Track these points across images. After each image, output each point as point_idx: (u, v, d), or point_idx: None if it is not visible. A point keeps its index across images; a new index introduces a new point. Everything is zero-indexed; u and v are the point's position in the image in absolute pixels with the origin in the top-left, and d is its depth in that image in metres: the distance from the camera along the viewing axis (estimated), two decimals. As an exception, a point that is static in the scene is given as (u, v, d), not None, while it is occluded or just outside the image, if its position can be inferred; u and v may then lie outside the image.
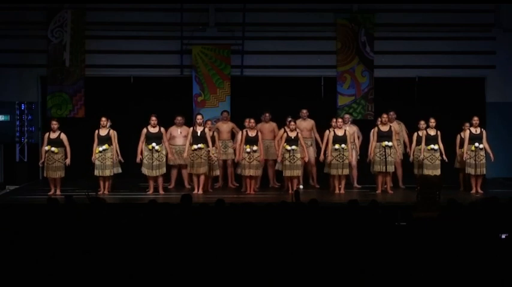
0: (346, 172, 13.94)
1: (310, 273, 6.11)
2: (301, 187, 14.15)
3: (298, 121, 14.64)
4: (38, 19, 17.07)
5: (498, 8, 17.40)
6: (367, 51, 17.18)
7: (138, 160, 13.81)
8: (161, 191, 13.85)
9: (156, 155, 13.71)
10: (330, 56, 17.27)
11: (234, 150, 14.57)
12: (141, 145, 13.82)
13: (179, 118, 14.57)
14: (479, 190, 13.86)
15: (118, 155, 13.86)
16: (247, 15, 17.05)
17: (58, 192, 13.68)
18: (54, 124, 13.93)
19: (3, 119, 17.13)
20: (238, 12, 17.08)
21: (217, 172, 14.36)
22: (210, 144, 13.84)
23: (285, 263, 6.18)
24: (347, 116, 15.06)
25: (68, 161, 13.78)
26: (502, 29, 17.36)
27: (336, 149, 13.79)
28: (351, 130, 14.57)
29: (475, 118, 14.10)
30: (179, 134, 14.42)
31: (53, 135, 13.81)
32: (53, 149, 13.69)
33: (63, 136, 13.82)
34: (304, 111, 14.88)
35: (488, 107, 17.31)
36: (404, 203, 12.16)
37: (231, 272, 6.10)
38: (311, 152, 14.67)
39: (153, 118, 13.89)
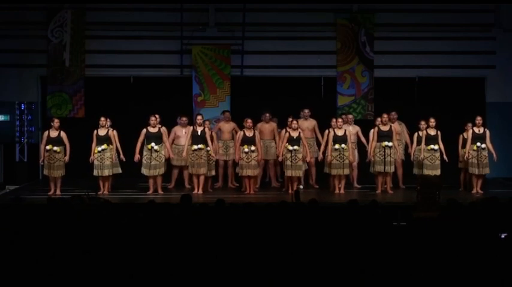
0: (346, 171, 13.95)
1: (310, 273, 6.11)
2: (301, 187, 14.13)
3: (300, 121, 14.58)
4: (38, 19, 17.08)
5: (498, 8, 17.41)
6: (367, 51, 17.18)
7: (135, 159, 13.83)
8: (160, 191, 13.86)
9: (154, 155, 13.71)
10: (330, 56, 17.27)
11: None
12: (139, 144, 13.84)
13: (184, 119, 14.60)
14: (480, 190, 13.88)
15: (120, 155, 13.87)
16: (247, 15, 17.06)
17: (58, 192, 13.69)
18: (56, 122, 13.90)
19: (3, 119, 17.14)
20: (238, 12, 17.08)
21: (213, 172, 14.31)
22: (210, 144, 13.86)
23: (285, 263, 6.18)
24: (350, 116, 15.09)
25: (66, 158, 13.76)
26: (502, 29, 17.37)
27: (336, 149, 13.79)
28: (354, 130, 14.59)
29: (478, 118, 14.12)
30: (184, 134, 14.39)
31: (54, 134, 13.79)
32: (55, 148, 13.68)
33: (63, 134, 13.81)
34: (306, 111, 14.86)
35: (488, 107, 17.31)
36: (404, 203, 12.17)
37: (231, 272, 6.10)
38: (313, 152, 14.60)
39: (153, 118, 13.89)
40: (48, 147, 13.72)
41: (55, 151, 13.68)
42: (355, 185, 14.66)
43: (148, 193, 13.76)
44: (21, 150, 17.13)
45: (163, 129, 13.97)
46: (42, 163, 14.11)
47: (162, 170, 13.90)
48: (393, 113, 14.54)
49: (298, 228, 6.97)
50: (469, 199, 12.03)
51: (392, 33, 17.31)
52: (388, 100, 16.53)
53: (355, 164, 14.53)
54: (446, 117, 15.51)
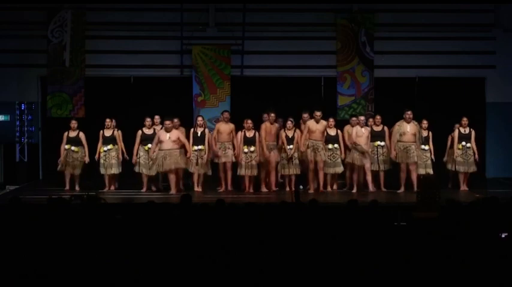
0: (338, 170, 14.03)
1: (310, 273, 6.11)
2: (301, 187, 14.08)
3: (311, 122, 13.93)
4: (38, 19, 17.08)
5: (498, 8, 17.41)
6: (367, 51, 17.18)
7: (133, 160, 14.11)
8: (153, 189, 14.11)
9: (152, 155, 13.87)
10: (330, 56, 17.27)
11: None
12: (137, 146, 14.08)
13: (167, 122, 13.73)
14: (466, 187, 14.34)
15: (124, 154, 14.22)
16: (247, 15, 17.05)
17: (77, 188, 14.18)
18: (74, 123, 14.46)
19: (3, 119, 17.15)
20: (238, 12, 17.08)
21: (209, 172, 14.19)
22: (207, 145, 13.90)
23: (285, 263, 6.18)
24: (362, 117, 14.45)
25: (86, 159, 14.30)
26: (502, 29, 17.38)
27: (329, 149, 13.88)
28: (366, 132, 14.15)
29: (464, 119, 14.49)
30: (168, 139, 13.67)
31: (72, 134, 14.37)
32: (73, 148, 14.27)
33: (81, 135, 14.36)
34: (318, 113, 13.91)
35: (488, 107, 17.32)
36: (405, 203, 12.16)
37: (231, 272, 6.11)
38: (322, 156, 13.86)
39: (148, 119, 14.10)
40: (66, 146, 14.28)
41: (73, 151, 14.25)
42: (370, 189, 13.98)
43: (142, 191, 13.97)
44: (21, 150, 17.13)
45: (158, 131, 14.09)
46: (59, 162, 14.40)
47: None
48: (409, 112, 14.07)
49: (298, 228, 6.97)
50: (469, 199, 12.05)
51: (392, 33, 17.31)
52: (388, 100, 16.54)
53: (367, 166, 14.04)
54: (446, 117, 15.49)
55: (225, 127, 14.23)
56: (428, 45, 17.22)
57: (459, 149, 14.35)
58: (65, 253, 6.29)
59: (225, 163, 14.19)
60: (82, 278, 6.06)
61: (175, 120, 13.97)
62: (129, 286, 6.09)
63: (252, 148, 13.80)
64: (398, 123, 14.21)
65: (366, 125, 14.33)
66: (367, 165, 13.97)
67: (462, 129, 14.45)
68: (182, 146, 13.76)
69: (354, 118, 14.49)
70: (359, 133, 14.05)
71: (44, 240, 6.52)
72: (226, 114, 14.47)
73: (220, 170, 14.25)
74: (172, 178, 13.67)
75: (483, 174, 16.89)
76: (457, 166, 14.41)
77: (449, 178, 14.77)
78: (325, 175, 14.04)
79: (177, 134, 13.73)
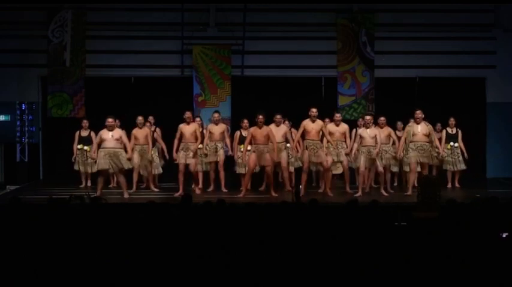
0: (335, 171, 14.02)
1: (311, 273, 6.11)
2: (301, 186, 14.06)
3: (306, 121, 13.24)
4: (38, 19, 17.10)
5: (498, 8, 17.43)
6: (368, 51, 17.19)
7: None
8: (153, 188, 14.20)
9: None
10: (331, 56, 17.27)
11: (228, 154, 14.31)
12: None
13: (110, 120, 13.15)
14: (457, 185, 14.79)
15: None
16: (247, 15, 17.07)
17: (89, 184, 14.84)
18: (85, 123, 14.93)
19: (3, 119, 17.16)
20: (239, 12, 17.09)
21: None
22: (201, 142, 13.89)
23: (285, 263, 6.18)
24: (382, 118, 13.91)
25: (94, 155, 14.08)
26: (502, 29, 17.39)
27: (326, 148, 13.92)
28: (386, 131, 13.83)
29: (451, 119, 14.82)
30: (110, 137, 13.08)
31: (84, 133, 14.87)
32: (85, 147, 14.78)
33: (92, 134, 14.65)
34: (314, 110, 13.21)
35: (488, 107, 17.32)
36: (405, 203, 12.16)
37: (231, 272, 6.11)
38: (319, 157, 13.31)
39: (139, 118, 14.06)
40: (79, 146, 14.82)
41: (86, 150, 14.77)
42: (383, 192, 13.57)
43: (142, 186, 14.43)
44: (21, 150, 17.15)
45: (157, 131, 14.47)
46: (73, 161, 14.92)
47: (159, 170, 14.41)
48: (417, 112, 13.48)
49: (298, 228, 6.97)
50: (469, 199, 12.04)
51: (393, 33, 17.32)
52: (388, 100, 16.55)
53: (381, 169, 13.62)
54: (447, 117, 15.48)
55: (216, 128, 14.06)
56: (428, 45, 17.24)
57: (448, 149, 14.71)
58: (65, 253, 6.29)
59: (216, 163, 14.07)
60: (82, 278, 6.07)
61: (140, 118, 14.14)
62: (130, 286, 6.09)
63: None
64: (409, 125, 13.71)
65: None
66: (380, 168, 13.50)
67: (449, 130, 14.82)
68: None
69: (368, 117, 13.77)
70: (371, 134, 13.47)
71: (44, 240, 6.52)
72: (188, 114, 13.96)
73: (212, 170, 14.15)
74: (122, 180, 13.20)
75: (483, 174, 16.92)
76: (448, 165, 14.84)
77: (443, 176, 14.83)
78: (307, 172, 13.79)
79: (119, 133, 13.22)
